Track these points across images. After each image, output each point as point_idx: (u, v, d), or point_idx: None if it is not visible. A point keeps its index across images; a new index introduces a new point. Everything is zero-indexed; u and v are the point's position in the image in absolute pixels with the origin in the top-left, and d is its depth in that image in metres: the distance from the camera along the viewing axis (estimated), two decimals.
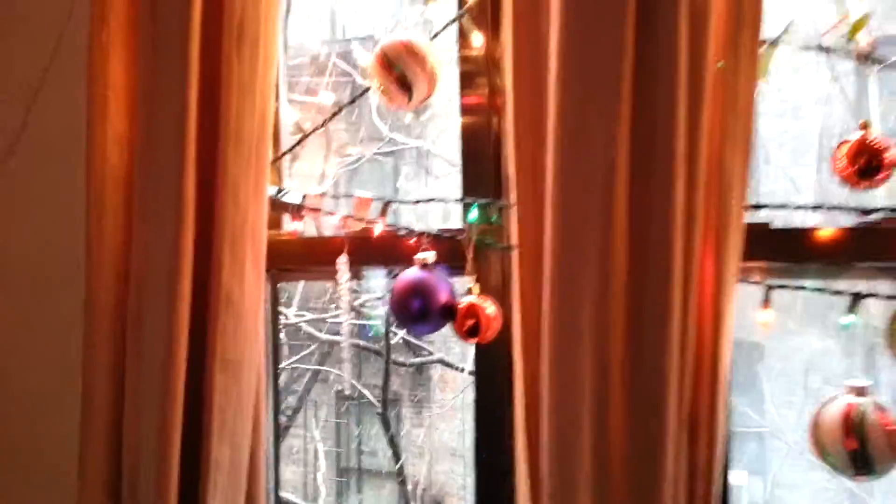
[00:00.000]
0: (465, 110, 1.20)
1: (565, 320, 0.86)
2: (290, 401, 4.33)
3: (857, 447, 0.88)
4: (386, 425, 3.97)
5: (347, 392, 4.13)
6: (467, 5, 1.15)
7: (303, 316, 3.75)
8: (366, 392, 3.94)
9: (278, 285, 1.37)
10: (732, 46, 0.89)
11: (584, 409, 0.84)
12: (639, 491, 0.83)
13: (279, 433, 1.37)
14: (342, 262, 1.16)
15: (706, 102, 0.86)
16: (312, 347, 3.91)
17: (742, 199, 0.88)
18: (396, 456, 3.91)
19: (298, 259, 1.28)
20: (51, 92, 1.29)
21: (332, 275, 1.19)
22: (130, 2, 1.07)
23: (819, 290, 0.97)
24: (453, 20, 1.17)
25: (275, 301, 1.34)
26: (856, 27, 0.99)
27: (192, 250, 0.97)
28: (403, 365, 4.07)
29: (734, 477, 1.06)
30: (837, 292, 0.94)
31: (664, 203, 0.83)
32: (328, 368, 4.17)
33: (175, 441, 1.00)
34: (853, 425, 0.89)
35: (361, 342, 3.76)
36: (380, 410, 3.89)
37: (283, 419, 4.44)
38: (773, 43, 1.07)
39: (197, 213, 0.98)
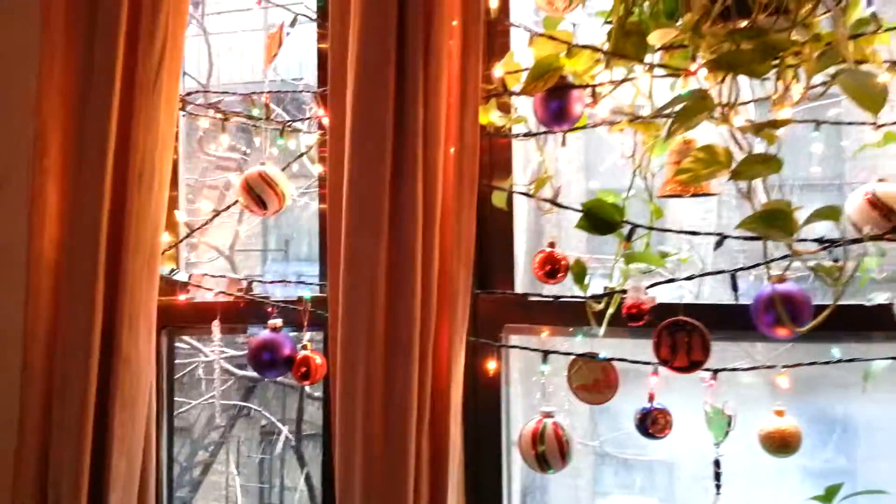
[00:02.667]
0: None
1: (346, 375, 1.32)
2: (213, 436, 4.62)
3: (539, 451, 1.37)
4: (301, 460, 4.29)
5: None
6: (311, 144, 1.63)
7: (225, 353, 4.12)
8: (283, 427, 4.28)
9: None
10: (459, 134, 1.36)
11: (357, 441, 1.31)
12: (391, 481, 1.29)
13: (172, 445, 1.80)
14: (215, 324, 1.62)
15: (439, 192, 1.33)
16: (229, 383, 4.25)
17: (468, 279, 1.36)
18: (311, 491, 4.21)
19: (189, 319, 1.73)
20: None
21: (212, 332, 1.65)
22: (64, 141, 1.51)
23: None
24: (299, 156, 1.66)
25: (170, 351, 1.78)
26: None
27: (101, 323, 1.41)
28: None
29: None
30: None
31: (407, 284, 1.30)
32: (251, 405, 4.49)
33: (86, 458, 1.42)
34: (538, 437, 1.37)
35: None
36: (294, 444, 4.24)
37: (205, 455, 4.70)
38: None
39: (105, 299, 1.42)
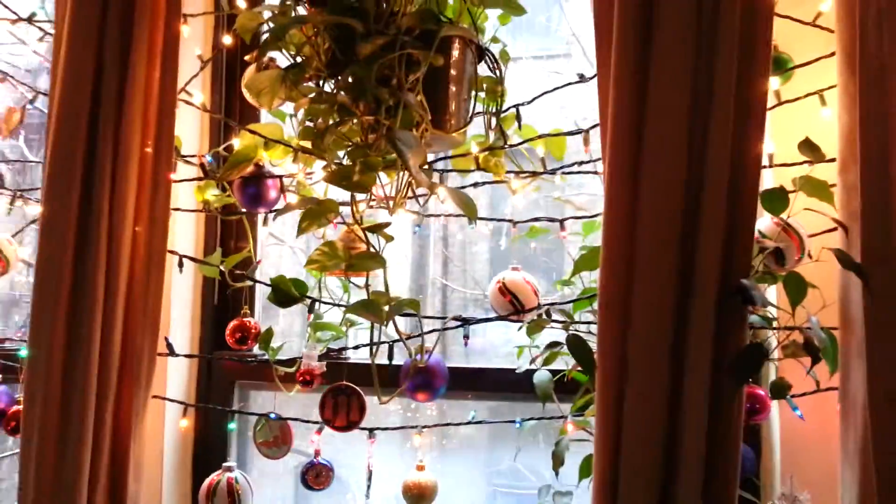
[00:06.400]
0: None
1: (27, 433, 1.45)
2: None
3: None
4: None
5: None
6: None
7: None
8: None
9: None
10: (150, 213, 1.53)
11: (29, 495, 1.43)
12: None
13: None
14: None
15: (123, 268, 1.48)
16: None
17: (153, 346, 1.51)
18: None
19: None
20: None
21: None
22: None
23: None
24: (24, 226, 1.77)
25: None
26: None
27: None
28: None
29: None
30: None
31: (84, 352, 1.44)
32: None
33: None
34: (212, 490, 1.53)
35: None
36: None
37: None
38: None
39: None
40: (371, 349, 1.41)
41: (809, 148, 1.28)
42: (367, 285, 1.34)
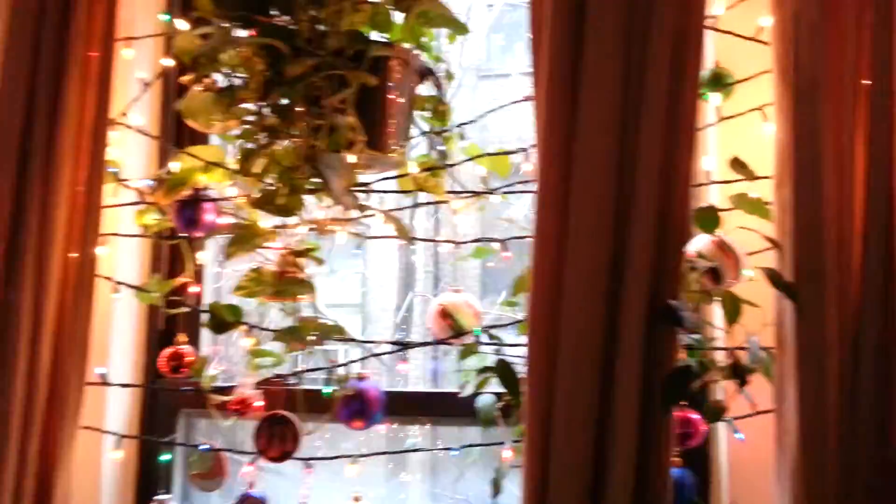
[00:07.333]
0: None
1: None
2: None
3: None
4: None
5: None
6: None
7: None
8: None
9: None
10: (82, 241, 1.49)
11: None
12: None
13: None
14: None
15: (51, 297, 1.44)
16: None
17: (81, 376, 1.46)
18: None
19: None
20: None
21: None
22: None
23: None
24: None
25: None
26: None
27: None
28: None
29: None
30: None
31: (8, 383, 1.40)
32: None
33: None
34: None
35: None
36: None
37: None
38: None
39: None
40: (300, 376, 1.37)
41: (739, 166, 1.26)
42: (294, 311, 1.30)
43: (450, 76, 1.60)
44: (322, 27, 1.35)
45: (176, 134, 1.88)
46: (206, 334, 1.87)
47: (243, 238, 1.28)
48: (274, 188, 1.26)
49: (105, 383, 1.60)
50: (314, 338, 1.22)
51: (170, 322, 1.79)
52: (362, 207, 1.34)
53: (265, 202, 1.25)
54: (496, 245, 1.54)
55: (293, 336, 1.23)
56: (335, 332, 1.26)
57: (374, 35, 1.42)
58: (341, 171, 1.22)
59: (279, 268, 1.40)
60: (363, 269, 4.52)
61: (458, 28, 1.53)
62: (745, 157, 1.34)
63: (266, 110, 1.31)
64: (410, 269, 4.77)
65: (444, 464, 1.99)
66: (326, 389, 1.38)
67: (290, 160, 1.29)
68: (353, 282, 4.43)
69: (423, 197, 1.60)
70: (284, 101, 1.27)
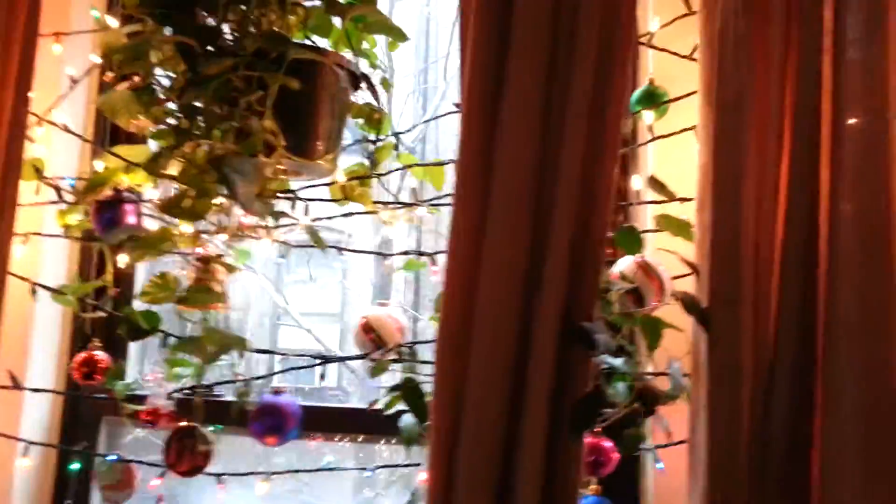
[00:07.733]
0: None
1: None
2: None
3: None
4: None
5: None
6: None
7: None
8: None
9: None
10: None
11: None
12: None
13: None
14: None
15: None
16: None
17: None
18: None
19: None
20: None
21: None
22: None
23: None
24: None
25: None
26: None
27: None
28: None
29: None
30: None
31: None
32: None
33: None
34: None
35: None
36: None
37: None
38: None
39: None
40: (213, 388, 1.32)
41: (658, 186, 1.22)
42: (203, 320, 1.25)
43: (386, 84, 1.56)
44: (251, 28, 1.31)
45: (111, 133, 1.84)
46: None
47: (148, 242, 1.23)
48: (181, 191, 1.21)
49: (17, 387, 1.54)
50: (214, 350, 1.17)
51: (101, 328, 1.74)
52: (278, 215, 1.29)
53: (172, 205, 1.20)
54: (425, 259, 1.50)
55: (194, 346, 1.18)
56: (238, 345, 1.21)
57: (320, 41, 1.39)
58: (252, 177, 1.17)
59: (195, 275, 1.35)
60: (342, 278, 4.49)
61: (397, 35, 1.49)
62: (679, 178, 1.30)
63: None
64: (387, 280, 4.74)
65: (371, 483, 1.94)
66: (237, 402, 1.33)
67: (201, 163, 1.24)
68: (333, 291, 4.40)
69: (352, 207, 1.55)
70: (197, 103, 1.23)
